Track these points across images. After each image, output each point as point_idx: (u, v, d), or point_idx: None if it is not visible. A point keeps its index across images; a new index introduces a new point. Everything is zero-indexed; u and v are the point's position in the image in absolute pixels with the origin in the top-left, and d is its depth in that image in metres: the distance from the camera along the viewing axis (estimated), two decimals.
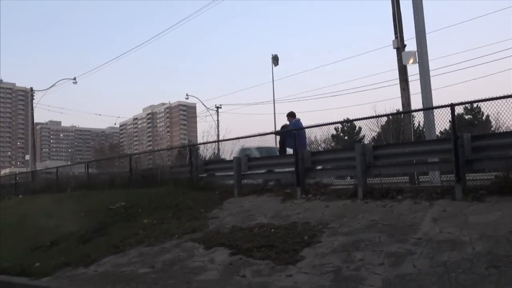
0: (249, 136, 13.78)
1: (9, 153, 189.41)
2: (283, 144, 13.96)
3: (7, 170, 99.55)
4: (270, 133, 13.61)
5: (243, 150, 14.83)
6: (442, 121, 9.71)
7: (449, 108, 8.93)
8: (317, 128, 12.16)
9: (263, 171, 13.47)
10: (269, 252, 7.43)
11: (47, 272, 9.28)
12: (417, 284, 5.41)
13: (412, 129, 15.65)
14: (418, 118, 16.11)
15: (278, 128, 14.30)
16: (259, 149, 14.48)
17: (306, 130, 12.84)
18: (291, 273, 6.52)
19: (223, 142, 18.78)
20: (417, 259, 6.07)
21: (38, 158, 55.52)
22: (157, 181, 16.47)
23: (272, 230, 8.46)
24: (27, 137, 73.77)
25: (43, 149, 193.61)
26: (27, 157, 51.28)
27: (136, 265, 8.43)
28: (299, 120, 14.40)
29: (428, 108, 12.30)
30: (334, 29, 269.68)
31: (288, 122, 14.46)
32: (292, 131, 12.99)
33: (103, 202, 15.03)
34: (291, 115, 14.39)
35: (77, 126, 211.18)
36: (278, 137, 14.76)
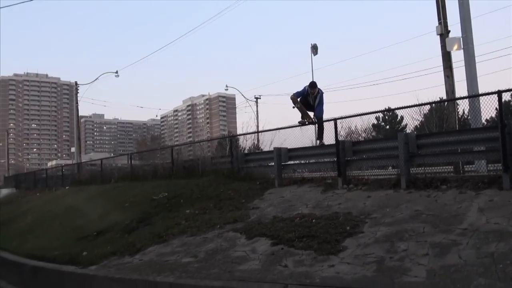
0: (290, 127, 13.72)
1: (55, 145, 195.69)
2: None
3: (54, 162, 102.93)
4: (311, 123, 13.42)
5: None
6: (488, 109, 9.41)
7: (496, 95, 8.66)
8: (358, 117, 12.00)
9: (303, 161, 13.43)
10: (310, 242, 7.41)
11: (94, 261, 9.54)
12: (463, 275, 5.29)
13: (456, 118, 15.27)
14: (463, 106, 15.72)
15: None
16: None
17: (347, 120, 12.63)
18: (333, 263, 6.48)
19: (262, 133, 18.82)
20: (463, 250, 5.93)
21: (82, 150, 56.95)
22: (198, 172, 16.65)
23: (314, 221, 8.44)
24: (72, 130, 75.85)
25: (87, 142, 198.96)
26: (73, 149, 52.77)
27: (179, 254, 8.57)
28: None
29: (473, 96, 11.96)
30: (374, 16, 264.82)
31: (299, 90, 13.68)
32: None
33: (146, 193, 15.31)
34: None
35: (119, 118, 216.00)
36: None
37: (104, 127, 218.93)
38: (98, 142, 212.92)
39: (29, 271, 10.86)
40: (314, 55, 42.15)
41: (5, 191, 42.75)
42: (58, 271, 9.80)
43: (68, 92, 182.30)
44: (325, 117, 13.15)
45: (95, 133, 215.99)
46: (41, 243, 12.75)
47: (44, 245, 12.40)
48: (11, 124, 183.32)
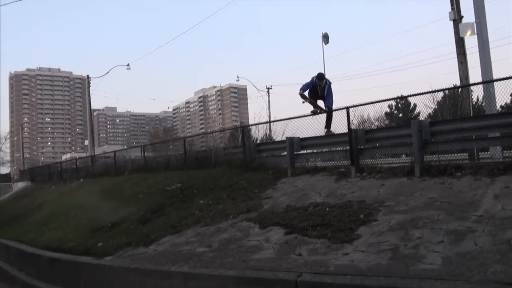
0: (302, 116, 13.68)
1: (69, 139, 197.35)
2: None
3: (68, 155, 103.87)
4: (323, 111, 13.40)
5: None
6: (503, 95, 9.29)
7: (510, 80, 8.54)
8: (370, 105, 11.89)
9: (316, 150, 13.40)
10: (324, 231, 7.39)
11: (109, 252, 9.62)
12: (479, 262, 5.24)
13: (470, 104, 15.09)
14: (477, 93, 15.53)
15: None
16: None
17: (359, 108, 12.56)
18: (347, 252, 6.46)
19: (274, 123, 18.78)
20: (479, 237, 5.87)
21: (96, 143, 57.37)
22: (211, 163, 16.69)
23: (327, 209, 8.41)
24: (86, 123, 76.33)
25: (101, 134, 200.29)
26: (86, 142, 53.16)
27: (193, 244, 8.60)
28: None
29: (488, 81, 11.81)
30: (386, 3, 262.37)
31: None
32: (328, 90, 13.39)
33: (160, 184, 15.39)
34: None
35: (132, 111, 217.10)
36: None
37: (117, 120, 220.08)
38: (111, 134, 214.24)
39: (45, 262, 11.00)
40: (325, 44, 41.94)
41: (21, 185, 43.39)
42: (74, 262, 9.90)
43: (80, 86, 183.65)
44: (336, 106, 13.20)
45: (108, 126, 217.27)
46: (57, 235, 12.90)
47: (59, 237, 12.54)
48: (25, 119, 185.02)
